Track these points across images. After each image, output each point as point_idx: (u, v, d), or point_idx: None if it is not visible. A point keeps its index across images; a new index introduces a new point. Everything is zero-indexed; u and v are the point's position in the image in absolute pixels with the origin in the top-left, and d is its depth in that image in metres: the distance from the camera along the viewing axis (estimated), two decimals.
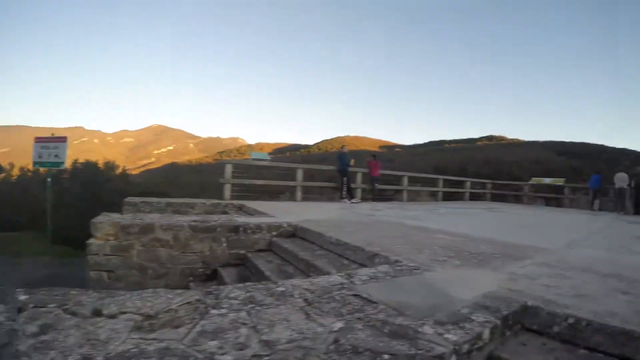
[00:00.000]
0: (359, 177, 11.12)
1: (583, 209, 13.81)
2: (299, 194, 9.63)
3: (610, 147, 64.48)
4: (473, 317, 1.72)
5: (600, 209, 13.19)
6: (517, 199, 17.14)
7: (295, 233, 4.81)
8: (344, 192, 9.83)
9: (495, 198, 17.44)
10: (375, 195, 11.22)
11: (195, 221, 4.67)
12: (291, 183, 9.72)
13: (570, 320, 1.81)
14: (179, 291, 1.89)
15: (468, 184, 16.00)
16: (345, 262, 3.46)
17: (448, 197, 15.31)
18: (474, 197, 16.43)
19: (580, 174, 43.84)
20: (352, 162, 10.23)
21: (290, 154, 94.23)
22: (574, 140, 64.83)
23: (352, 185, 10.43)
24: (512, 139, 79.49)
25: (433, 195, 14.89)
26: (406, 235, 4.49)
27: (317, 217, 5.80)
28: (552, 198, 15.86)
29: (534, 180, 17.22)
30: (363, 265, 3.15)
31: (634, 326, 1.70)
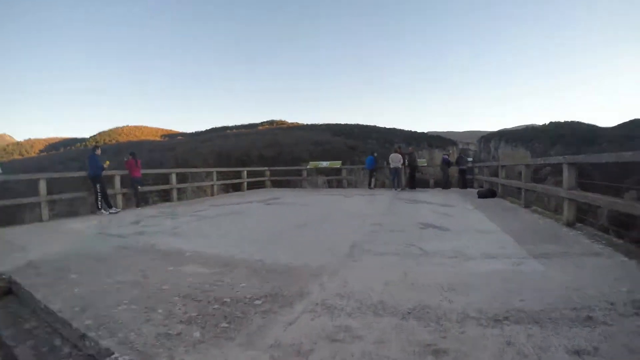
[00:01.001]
0: (117, 181, 9.26)
1: (361, 188, 14.55)
2: (45, 212, 7.54)
3: (382, 127, 79.36)
4: None
5: (375, 186, 14.15)
6: (298, 184, 16.61)
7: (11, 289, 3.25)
8: (100, 202, 8.21)
9: (276, 184, 16.56)
10: (139, 200, 9.56)
11: None
12: (32, 199, 7.68)
13: None
14: None
15: (244, 173, 14.51)
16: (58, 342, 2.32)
17: (226, 189, 14.28)
18: (255, 185, 15.38)
19: (355, 151, 52.08)
20: (106, 164, 8.62)
21: (64, 150, 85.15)
22: (349, 123, 75.78)
23: (111, 192, 8.86)
24: (292, 123, 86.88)
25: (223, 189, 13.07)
26: (144, 275, 3.33)
27: (54, 250, 4.44)
28: (333, 180, 16.47)
29: (311, 164, 16.53)
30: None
31: None
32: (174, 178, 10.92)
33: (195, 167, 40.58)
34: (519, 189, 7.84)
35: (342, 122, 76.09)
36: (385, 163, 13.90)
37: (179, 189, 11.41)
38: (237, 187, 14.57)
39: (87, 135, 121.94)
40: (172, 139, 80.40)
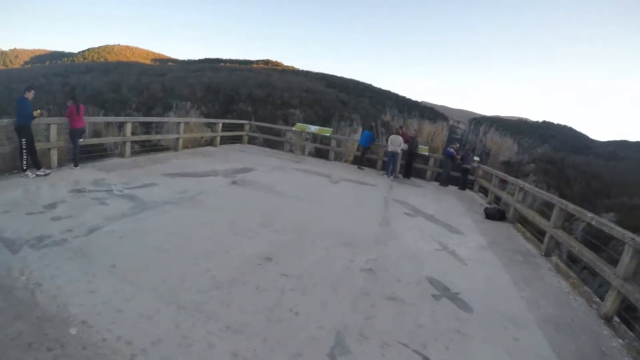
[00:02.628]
0: (53, 132, 6.95)
1: (348, 164, 12.63)
2: None
3: (376, 87, 76.10)
4: None
5: (364, 166, 12.25)
6: (280, 145, 14.56)
7: None
8: (25, 161, 6.13)
9: (252, 142, 14.35)
10: (77, 157, 7.20)
11: None
12: None
13: None
14: None
15: (219, 126, 12.16)
16: None
17: (197, 143, 12.01)
18: (231, 139, 13.18)
19: (346, 106, 49.81)
20: (37, 113, 6.37)
21: (50, 63, 77.87)
22: (345, 77, 72.10)
23: (44, 146, 6.83)
24: (288, 66, 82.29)
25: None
26: None
27: None
28: (321, 150, 14.32)
29: (298, 126, 14.40)
30: None
31: None
32: (128, 129, 8.64)
33: (182, 96, 37.73)
34: (542, 231, 6.30)
35: (338, 74, 72.24)
36: (385, 141, 11.78)
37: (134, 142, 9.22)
38: (210, 141, 12.39)
39: (75, 50, 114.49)
40: (163, 64, 75.36)
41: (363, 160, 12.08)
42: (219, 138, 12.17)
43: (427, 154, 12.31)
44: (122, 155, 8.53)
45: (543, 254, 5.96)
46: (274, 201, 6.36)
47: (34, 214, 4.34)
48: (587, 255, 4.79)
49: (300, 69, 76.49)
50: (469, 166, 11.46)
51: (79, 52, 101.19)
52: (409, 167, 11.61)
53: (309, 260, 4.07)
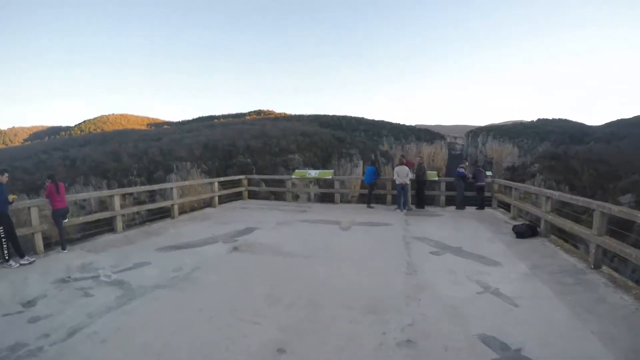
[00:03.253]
0: (34, 216, 6.38)
1: (355, 205, 11.95)
2: None
3: (370, 119, 77.18)
4: None
5: (372, 204, 11.56)
6: (281, 195, 13.99)
7: None
8: (5, 250, 5.57)
9: (254, 196, 13.85)
10: (64, 240, 6.61)
11: None
12: None
13: None
14: None
15: (215, 185, 11.76)
16: None
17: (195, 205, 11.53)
18: (230, 197, 12.67)
19: (343, 142, 49.98)
20: (12, 197, 5.86)
21: (49, 139, 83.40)
22: (336, 114, 73.42)
23: (25, 231, 6.27)
24: (280, 113, 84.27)
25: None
26: None
27: None
28: (326, 194, 13.59)
29: (297, 173, 13.60)
30: None
31: None
32: (116, 202, 8.13)
33: (181, 157, 38.09)
34: (586, 240, 5.56)
35: (330, 113, 73.49)
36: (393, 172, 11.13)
37: (124, 216, 8.71)
38: (206, 202, 11.97)
39: (72, 123, 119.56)
40: (159, 128, 78.31)
41: (371, 197, 11.42)
42: (217, 198, 11.62)
43: (436, 178, 11.66)
44: (114, 231, 7.95)
45: (592, 267, 5.26)
46: (282, 265, 5.64)
47: (10, 315, 3.88)
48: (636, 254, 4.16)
49: (292, 113, 78.14)
50: (482, 183, 10.79)
51: (75, 125, 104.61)
52: (421, 196, 10.94)
53: (332, 344, 3.30)
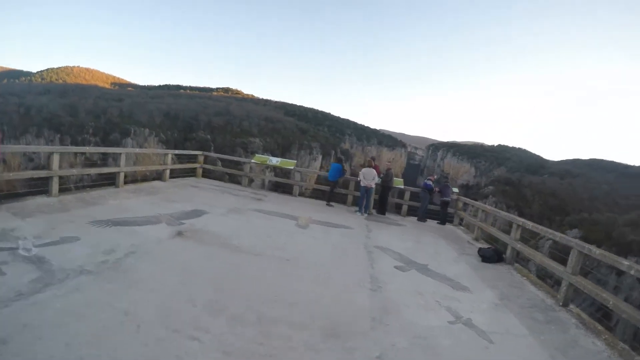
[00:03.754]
0: None
1: (313, 200, 11.30)
2: None
3: (335, 116, 76.69)
4: None
5: (332, 202, 10.94)
6: (237, 178, 12.92)
7: None
8: None
9: (208, 174, 12.60)
10: None
11: None
12: None
13: None
14: None
15: (169, 157, 10.47)
16: None
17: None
18: (184, 172, 11.45)
19: (305, 134, 49.30)
20: None
21: (7, 82, 72.12)
22: (304, 105, 72.18)
23: None
24: (248, 95, 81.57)
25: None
26: None
27: None
28: (282, 184, 12.73)
29: (257, 158, 12.91)
30: None
31: None
32: (55, 160, 6.75)
33: (140, 122, 35.20)
34: (558, 278, 5.32)
35: (297, 103, 72.28)
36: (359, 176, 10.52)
37: (62, 177, 7.43)
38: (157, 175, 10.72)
39: (34, 69, 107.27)
40: (122, 88, 72.49)
41: (332, 195, 10.78)
42: (168, 171, 10.37)
43: (402, 187, 11.26)
44: (48, 193, 6.67)
45: (561, 304, 5.04)
46: (230, 263, 4.79)
47: None
48: (628, 311, 3.95)
49: (260, 97, 75.86)
50: (448, 199, 10.55)
51: (37, 72, 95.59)
52: (384, 202, 10.51)
53: None
